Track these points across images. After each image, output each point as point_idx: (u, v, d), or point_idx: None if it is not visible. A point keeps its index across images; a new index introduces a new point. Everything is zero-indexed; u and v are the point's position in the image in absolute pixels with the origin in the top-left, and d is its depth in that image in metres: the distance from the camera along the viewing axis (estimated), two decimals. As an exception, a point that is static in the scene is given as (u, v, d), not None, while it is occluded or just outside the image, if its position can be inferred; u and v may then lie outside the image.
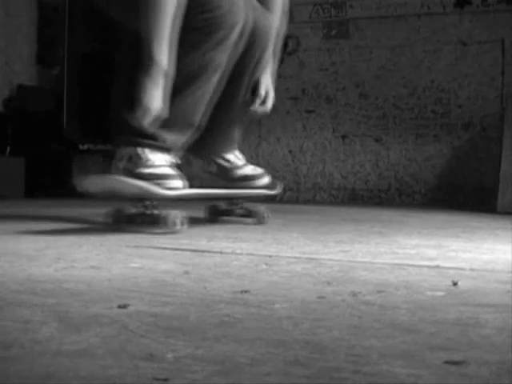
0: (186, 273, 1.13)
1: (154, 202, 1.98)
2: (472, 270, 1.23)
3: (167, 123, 1.95)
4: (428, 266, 1.27)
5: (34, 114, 4.60)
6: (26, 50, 5.00)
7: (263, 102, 2.39)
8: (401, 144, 4.79)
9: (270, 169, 3.89)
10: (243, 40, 2.11)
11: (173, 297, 0.91)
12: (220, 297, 0.92)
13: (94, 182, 1.99)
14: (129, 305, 0.83)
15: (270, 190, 2.46)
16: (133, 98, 1.87)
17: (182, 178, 1.98)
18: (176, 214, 1.93)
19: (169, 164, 1.98)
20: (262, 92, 2.37)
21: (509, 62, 4.50)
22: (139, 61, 1.88)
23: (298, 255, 1.42)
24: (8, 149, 4.35)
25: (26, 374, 0.55)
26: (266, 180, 2.44)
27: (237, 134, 2.42)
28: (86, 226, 2.26)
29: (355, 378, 0.55)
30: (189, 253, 1.42)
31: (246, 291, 0.96)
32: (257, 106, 2.38)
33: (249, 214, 2.39)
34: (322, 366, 0.59)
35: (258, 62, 2.30)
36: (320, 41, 4.84)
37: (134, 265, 1.22)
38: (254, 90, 2.38)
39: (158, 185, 1.91)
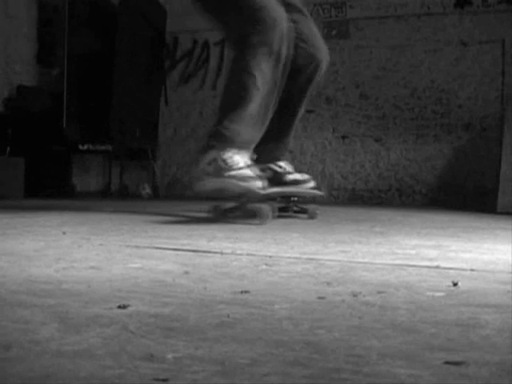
0: (186, 273, 1.13)
1: (247, 199, 2.33)
2: (472, 270, 1.23)
3: (247, 120, 2.32)
4: (428, 267, 1.27)
5: (34, 114, 4.60)
6: (26, 50, 5.00)
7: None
8: (401, 144, 4.79)
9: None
10: (290, 60, 2.45)
11: (173, 297, 0.91)
12: (220, 297, 0.91)
13: (209, 184, 2.29)
14: (129, 305, 0.83)
15: (319, 191, 2.94)
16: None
17: (260, 179, 2.29)
18: (268, 208, 2.25)
19: (247, 165, 2.29)
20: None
21: (509, 63, 4.49)
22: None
23: (298, 255, 1.42)
24: (8, 149, 4.35)
25: (26, 374, 0.55)
26: (312, 183, 2.80)
27: (290, 143, 2.82)
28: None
29: (355, 379, 0.55)
30: (189, 253, 1.42)
31: (245, 292, 0.95)
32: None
33: (302, 210, 2.77)
34: (322, 367, 0.59)
35: (316, 84, 2.68)
36: (320, 41, 4.83)
37: (133, 265, 1.22)
38: None
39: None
